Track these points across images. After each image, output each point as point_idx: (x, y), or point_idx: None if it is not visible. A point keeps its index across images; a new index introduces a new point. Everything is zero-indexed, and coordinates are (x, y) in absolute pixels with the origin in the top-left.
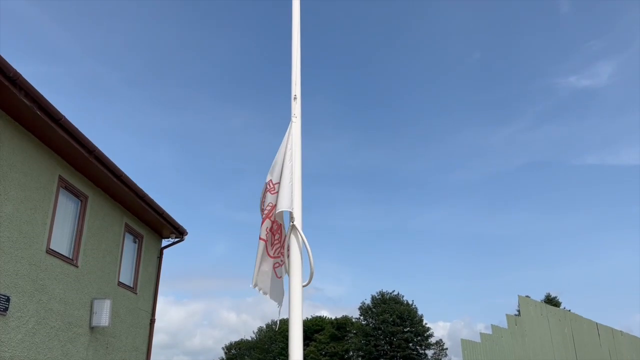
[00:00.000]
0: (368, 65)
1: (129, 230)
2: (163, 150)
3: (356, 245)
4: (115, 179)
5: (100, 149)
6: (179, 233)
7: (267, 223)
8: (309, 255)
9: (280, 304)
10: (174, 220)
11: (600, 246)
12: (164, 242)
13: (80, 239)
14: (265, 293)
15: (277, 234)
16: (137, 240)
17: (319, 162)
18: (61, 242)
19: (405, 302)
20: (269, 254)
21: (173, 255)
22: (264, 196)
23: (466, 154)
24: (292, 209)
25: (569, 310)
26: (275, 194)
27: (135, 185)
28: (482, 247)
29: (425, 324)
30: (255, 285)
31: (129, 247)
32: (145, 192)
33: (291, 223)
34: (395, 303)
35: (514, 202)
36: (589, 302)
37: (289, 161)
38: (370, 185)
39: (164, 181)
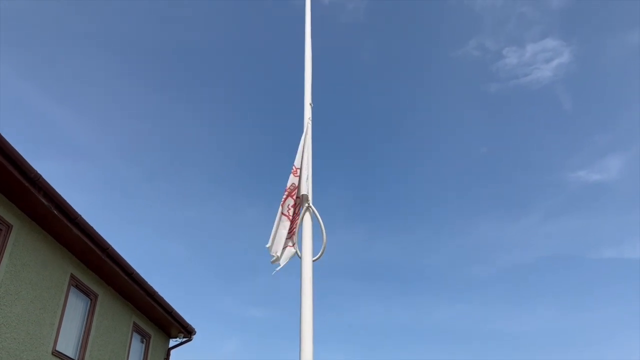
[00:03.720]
0: (379, 159)
1: (137, 329)
2: (175, 243)
3: (371, 342)
4: (126, 277)
5: (113, 247)
6: (187, 332)
7: (290, 201)
8: (321, 229)
9: (278, 254)
10: (182, 319)
11: (629, 343)
12: (172, 342)
13: (87, 339)
14: (275, 253)
15: (296, 211)
16: (144, 340)
17: (332, 256)
18: (68, 343)
19: None
20: (290, 224)
21: (180, 354)
22: (289, 178)
23: (483, 247)
24: (307, 192)
25: None
26: (297, 177)
27: (145, 283)
28: (503, 344)
29: None
30: (270, 247)
31: (136, 347)
32: (155, 289)
33: (306, 204)
34: None
35: (534, 297)
36: None
37: (306, 154)
38: (386, 279)
39: (174, 275)
